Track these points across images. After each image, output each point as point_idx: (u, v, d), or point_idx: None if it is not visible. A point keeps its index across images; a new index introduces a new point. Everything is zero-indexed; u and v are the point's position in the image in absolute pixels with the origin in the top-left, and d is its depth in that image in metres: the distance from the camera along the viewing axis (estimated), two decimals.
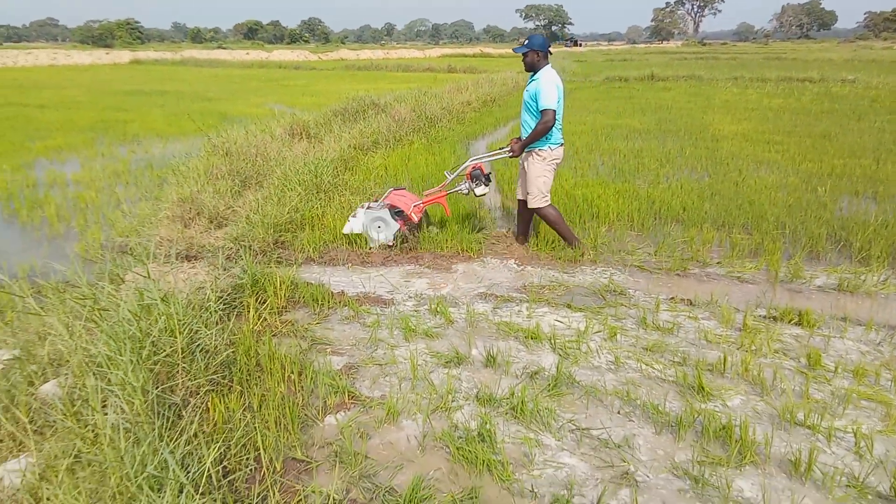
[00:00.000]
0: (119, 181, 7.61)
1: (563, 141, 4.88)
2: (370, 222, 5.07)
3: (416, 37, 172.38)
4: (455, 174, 5.20)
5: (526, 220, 5.23)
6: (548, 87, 4.59)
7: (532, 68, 4.77)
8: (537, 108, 4.65)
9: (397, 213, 5.07)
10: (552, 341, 3.49)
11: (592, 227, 5.55)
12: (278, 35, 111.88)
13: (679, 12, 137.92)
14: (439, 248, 5.12)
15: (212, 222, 5.36)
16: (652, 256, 4.93)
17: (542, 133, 4.63)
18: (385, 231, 5.06)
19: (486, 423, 2.66)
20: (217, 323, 3.25)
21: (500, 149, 5.12)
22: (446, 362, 3.29)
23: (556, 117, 4.66)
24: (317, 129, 9.54)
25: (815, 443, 2.60)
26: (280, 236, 5.21)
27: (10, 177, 7.76)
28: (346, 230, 5.10)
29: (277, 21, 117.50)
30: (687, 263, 4.75)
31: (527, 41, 4.77)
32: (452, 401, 2.91)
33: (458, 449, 2.53)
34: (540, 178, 4.83)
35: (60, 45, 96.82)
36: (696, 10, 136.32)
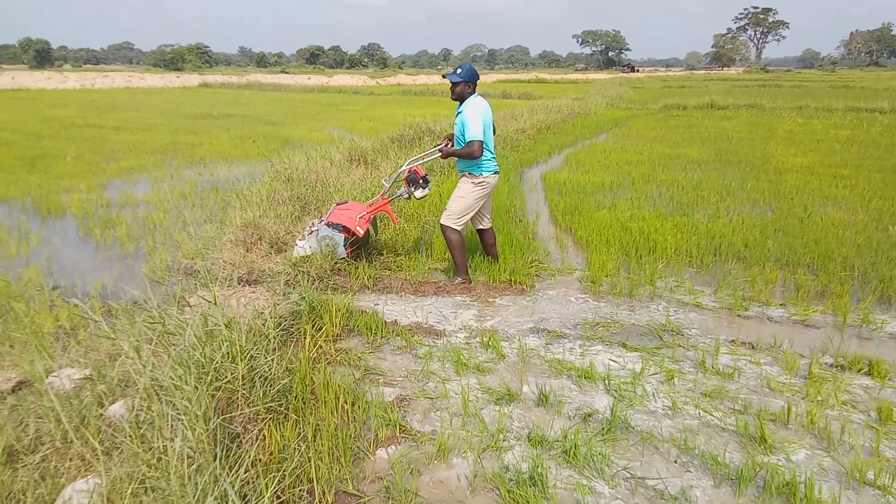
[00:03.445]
0: (186, 203, 7.94)
1: (496, 169, 5.00)
2: (320, 242, 5.13)
3: (473, 62, 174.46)
4: (393, 180, 5.29)
5: (489, 242, 5.28)
6: (473, 117, 4.72)
7: (460, 98, 4.89)
8: (465, 138, 4.79)
9: (343, 228, 5.13)
10: (606, 382, 3.43)
11: (649, 261, 5.46)
12: (339, 60, 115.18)
13: (741, 38, 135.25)
14: (491, 280, 5.12)
15: (272, 247, 5.52)
16: (711, 295, 4.81)
17: (465, 155, 4.77)
18: (334, 244, 5.13)
19: (537, 465, 2.63)
20: (275, 350, 3.34)
21: (433, 147, 5.16)
22: (497, 399, 3.28)
23: (487, 147, 4.84)
24: (374, 156, 9.74)
25: None
26: (337, 263, 5.32)
27: (87, 196, 8.20)
28: (295, 254, 5.16)
29: (338, 46, 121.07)
30: (748, 303, 4.61)
31: (459, 70, 4.84)
32: (503, 440, 2.89)
33: (508, 492, 2.50)
34: (462, 199, 4.90)
35: (135, 67, 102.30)
36: (758, 36, 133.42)
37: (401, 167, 5.24)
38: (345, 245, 5.15)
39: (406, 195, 5.16)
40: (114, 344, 3.22)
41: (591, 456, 2.74)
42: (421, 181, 5.09)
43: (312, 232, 5.21)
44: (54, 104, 25.73)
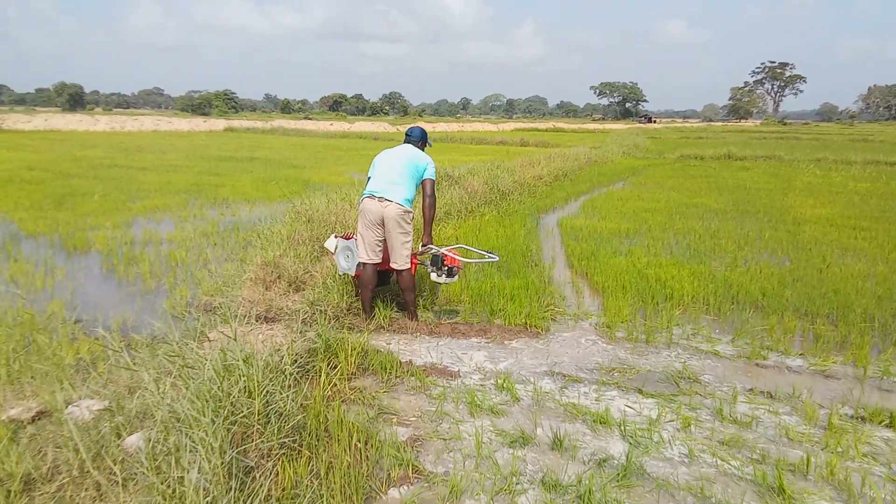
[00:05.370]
0: (208, 242, 8.10)
1: (370, 193, 4.96)
2: (342, 250, 5.22)
3: (491, 111, 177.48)
4: (425, 251, 5.23)
5: (400, 287, 5.20)
6: None
7: None
8: None
9: None
10: (622, 427, 3.40)
11: (666, 308, 5.44)
12: (360, 108, 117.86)
13: (758, 91, 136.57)
14: (507, 322, 5.13)
15: (290, 286, 5.60)
16: (729, 343, 4.77)
17: None
18: (351, 261, 5.18)
19: None
20: (291, 386, 3.37)
21: (488, 254, 5.34)
22: (511, 442, 3.26)
23: (372, 176, 5.04)
24: None
25: None
26: (353, 302, 5.37)
27: (112, 234, 8.40)
28: (326, 244, 5.33)
29: (360, 94, 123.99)
30: (766, 353, 4.57)
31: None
32: (517, 483, 2.87)
33: None
34: None
35: (163, 112, 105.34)
36: (776, 89, 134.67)
37: (438, 248, 5.13)
38: (358, 267, 5.18)
39: (430, 270, 5.13)
40: (133, 376, 3.27)
41: (606, 502, 2.71)
42: (445, 269, 4.99)
43: (350, 238, 5.25)
44: (84, 145, 26.55)
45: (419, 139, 5.32)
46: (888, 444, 3.30)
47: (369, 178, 5.09)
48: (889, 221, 9.93)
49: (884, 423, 3.51)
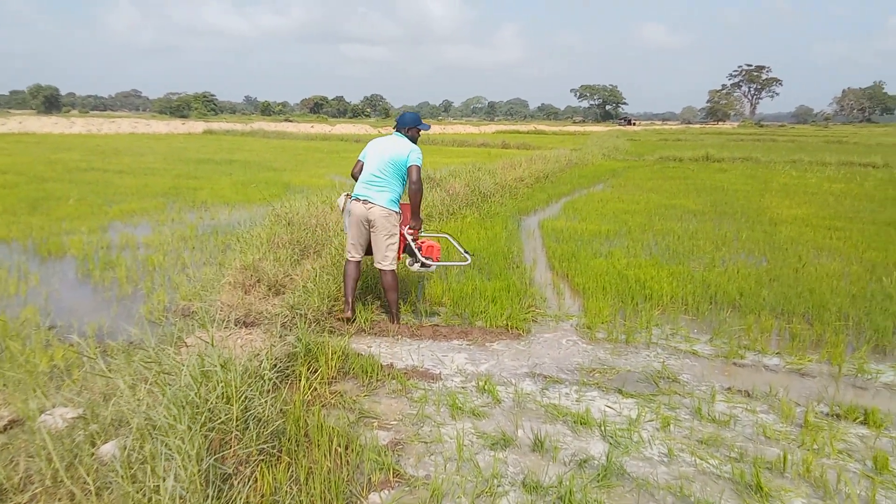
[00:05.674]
0: (186, 246, 8.00)
1: (354, 196, 5.03)
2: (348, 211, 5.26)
3: (472, 113, 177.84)
4: (411, 234, 5.24)
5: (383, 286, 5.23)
6: None
7: None
8: None
9: None
10: (602, 428, 3.42)
11: (645, 308, 5.48)
12: (342, 110, 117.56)
13: (735, 94, 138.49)
14: (488, 324, 5.14)
15: (270, 289, 5.55)
16: (707, 343, 4.82)
17: None
18: None
19: None
20: (270, 391, 3.33)
21: (464, 257, 5.33)
22: (493, 444, 3.26)
23: (362, 169, 5.11)
24: None
25: None
26: (334, 305, 5.34)
27: (87, 238, 8.26)
28: (338, 200, 5.37)
29: (341, 97, 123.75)
30: (744, 352, 4.62)
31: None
32: (498, 486, 2.87)
33: None
34: None
35: (141, 114, 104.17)
36: (752, 92, 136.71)
37: (419, 231, 5.16)
38: None
39: (406, 254, 5.15)
40: (108, 383, 3.22)
41: (587, 503, 2.71)
42: (421, 258, 5.05)
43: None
44: (59, 148, 26.09)
45: (409, 125, 5.16)
46: (863, 441, 3.35)
47: (360, 160, 5.15)
48: (863, 221, 10.12)
49: (858, 420, 3.57)
